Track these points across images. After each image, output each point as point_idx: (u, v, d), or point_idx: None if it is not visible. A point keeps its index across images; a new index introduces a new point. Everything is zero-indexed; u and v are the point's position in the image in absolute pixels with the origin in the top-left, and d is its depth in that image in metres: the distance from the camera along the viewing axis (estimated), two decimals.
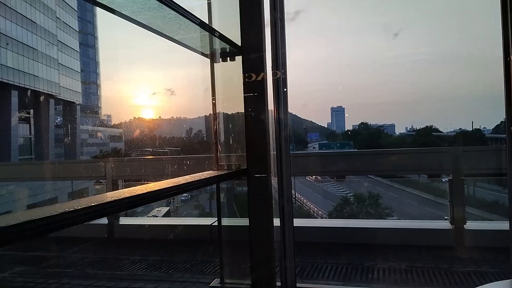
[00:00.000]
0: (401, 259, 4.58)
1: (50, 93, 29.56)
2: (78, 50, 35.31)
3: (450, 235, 5.07)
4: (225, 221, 3.21)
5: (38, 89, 28.43)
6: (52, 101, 29.70)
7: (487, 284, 1.74)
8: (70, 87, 32.67)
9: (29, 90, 27.42)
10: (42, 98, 28.53)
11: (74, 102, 32.94)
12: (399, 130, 28.56)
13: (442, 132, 24.43)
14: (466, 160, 5.54)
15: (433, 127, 24.87)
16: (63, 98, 31.37)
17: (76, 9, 35.13)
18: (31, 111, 28.77)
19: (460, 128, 23.95)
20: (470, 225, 5.03)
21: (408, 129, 27.17)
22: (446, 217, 5.33)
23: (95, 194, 1.75)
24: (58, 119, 31.93)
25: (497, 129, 19.75)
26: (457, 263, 4.37)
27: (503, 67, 2.56)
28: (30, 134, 27.85)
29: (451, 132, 24.10)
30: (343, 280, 4.14)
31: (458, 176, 5.22)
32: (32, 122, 27.98)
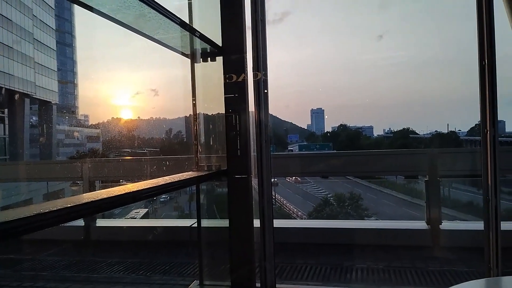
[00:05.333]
0: (379, 259, 4.64)
1: (26, 92, 28.83)
2: (55, 49, 34.53)
3: (426, 235, 5.16)
4: (205, 223, 3.19)
5: (13, 88, 27.72)
6: (27, 100, 28.96)
7: (462, 283, 1.77)
8: (46, 86, 31.94)
9: (3, 89, 26.70)
10: (17, 97, 27.82)
11: (50, 102, 32.14)
12: (377, 132, 28.87)
13: (418, 134, 24.87)
14: (442, 162, 5.65)
15: (410, 129, 25.25)
16: (38, 97, 30.62)
17: (54, 7, 34.36)
18: (6, 110, 28.02)
19: (436, 131, 24.40)
20: (445, 225, 5.14)
21: (386, 131, 27.49)
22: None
23: (71, 195, 1.71)
24: (34, 119, 31.17)
25: (471, 131, 20.24)
26: (433, 263, 4.45)
27: (478, 71, 2.62)
28: (4, 134, 27.10)
29: (427, 134, 24.54)
30: (322, 281, 4.17)
31: (434, 177, 5.32)
32: (6, 122, 27.23)
